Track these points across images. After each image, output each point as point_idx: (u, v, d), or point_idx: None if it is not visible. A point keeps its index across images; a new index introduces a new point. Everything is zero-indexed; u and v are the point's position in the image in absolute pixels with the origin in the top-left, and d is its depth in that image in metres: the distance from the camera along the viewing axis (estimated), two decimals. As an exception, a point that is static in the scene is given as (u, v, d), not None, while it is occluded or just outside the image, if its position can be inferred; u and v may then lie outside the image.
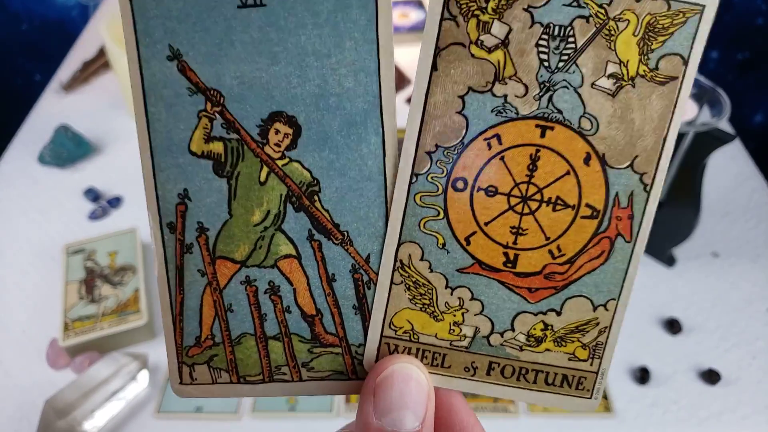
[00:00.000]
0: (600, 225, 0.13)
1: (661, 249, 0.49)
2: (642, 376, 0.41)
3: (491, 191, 0.13)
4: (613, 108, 0.12)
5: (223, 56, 0.13)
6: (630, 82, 0.12)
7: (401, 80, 0.67)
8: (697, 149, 0.42)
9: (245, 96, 0.14)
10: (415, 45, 0.70)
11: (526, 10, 0.12)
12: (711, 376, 0.41)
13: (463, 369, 0.14)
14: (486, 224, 0.13)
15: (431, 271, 0.14)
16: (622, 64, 0.12)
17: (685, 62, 0.12)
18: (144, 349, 0.44)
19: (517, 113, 0.13)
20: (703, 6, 0.12)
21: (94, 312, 0.44)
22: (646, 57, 0.12)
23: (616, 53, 0.12)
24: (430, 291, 0.14)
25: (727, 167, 0.58)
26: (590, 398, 0.14)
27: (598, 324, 0.14)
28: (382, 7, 0.13)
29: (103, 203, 0.55)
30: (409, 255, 0.14)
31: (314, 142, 0.14)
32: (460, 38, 0.12)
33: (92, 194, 0.55)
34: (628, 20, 0.12)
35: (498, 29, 0.12)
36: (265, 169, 0.14)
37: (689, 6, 0.12)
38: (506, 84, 0.12)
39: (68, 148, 0.58)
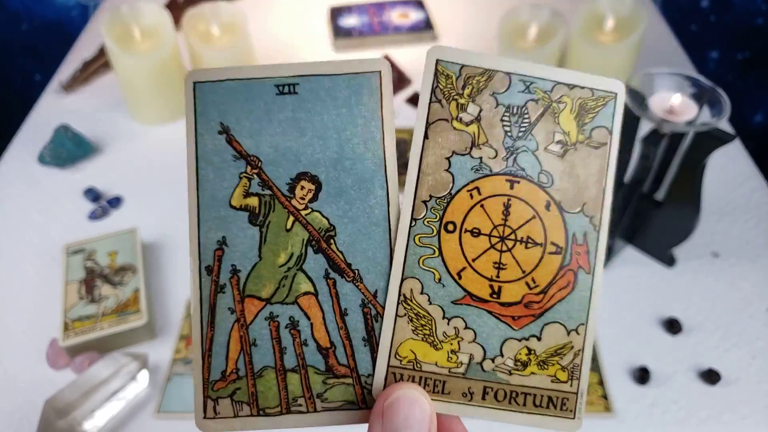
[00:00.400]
0: (564, 259, 0.16)
1: (661, 249, 0.49)
2: (642, 376, 0.41)
3: (476, 232, 0.16)
4: (562, 166, 0.16)
5: (263, 131, 0.17)
6: (573, 147, 0.16)
7: (402, 80, 0.67)
8: (697, 149, 0.42)
9: (278, 161, 0.17)
10: (414, 45, 0.70)
11: (492, 95, 0.16)
12: (711, 376, 0.41)
13: (461, 395, 0.16)
14: (473, 260, 0.16)
15: (430, 303, 0.16)
16: (565, 134, 0.16)
17: (610, 132, 0.17)
18: (144, 349, 0.44)
19: (491, 171, 0.16)
20: (615, 93, 0.17)
21: (94, 312, 0.44)
22: (582, 128, 0.16)
23: (560, 126, 0.16)
24: (429, 322, 0.16)
25: (727, 167, 0.57)
26: (573, 418, 0.16)
27: (572, 347, 0.16)
28: (385, 94, 0.17)
29: (103, 203, 0.55)
30: (411, 289, 0.16)
31: (332, 195, 0.17)
32: (445, 115, 0.16)
33: (92, 194, 0.55)
34: (566, 102, 0.16)
35: (472, 109, 0.16)
36: (291, 218, 0.17)
37: (606, 93, 0.17)
38: (481, 149, 0.16)
39: (68, 148, 0.58)
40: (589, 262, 0.16)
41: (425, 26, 0.74)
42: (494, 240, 0.16)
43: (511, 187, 0.16)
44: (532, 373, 0.15)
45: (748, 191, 0.55)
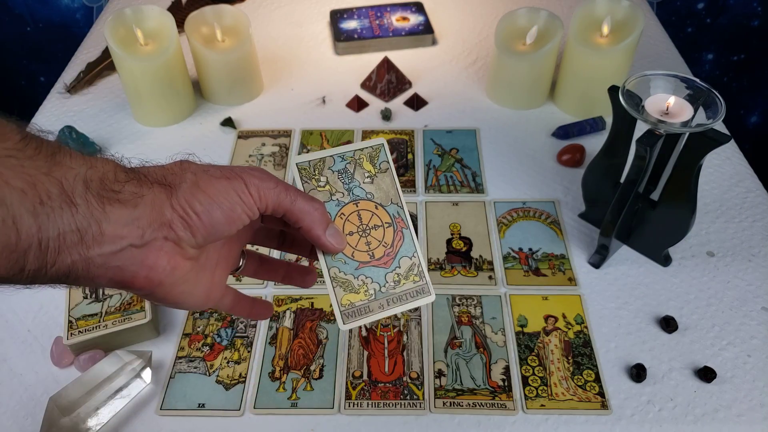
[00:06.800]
0: (394, 227, 0.31)
1: (657, 248, 0.49)
2: (638, 373, 0.42)
3: (351, 233, 0.30)
4: (374, 187, 0.31)
5: None
6: (375, 176, 0.31)
7: (401, 82, 0.68)
8: (692, 150, 0.42)
9: None
10: (414, 48, 0.71)
11: (328, 169, 0.31)
12: (706, 374, 0.42)
13: (378, 307, 0.30)
14: (355, 246, 0.30)
15: (345, 274, 0.30)
16: (369, 172, 0.31)
17: (388, 162, 0.32)
18: (147, 347, 0.44)
19: (345, 202, 0.30)
20: (382, 143, 0.32)
21: (98, 310, 0.44)
22: (376, 165, 0.31)
23: (364, 168, 0.31)
24: (349, 282, 0.30)
25: (723, 168, 0.58)
26: (430, 294, 0.31)
27: (415, 264, 0.31)
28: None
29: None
30: (336, 271, 0.30)
31: None
32: (311, 187, 0.30)
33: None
34: (362, 157, 0.31)
35: (322, 180, 0.30)
36: None
37: (378, 145, 0.32)
38: (335, 194, 0.30)
39: (73, 149, 0.59)
40: (405, 223, 0.31)
41: (425, 29, 0.75)
42: (360, 233, 0.30)
43: (357, 205, 0.30)
44: (404, 283, 0.30)
45: (743, 191, 0.56)
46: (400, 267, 0.30)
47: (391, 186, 0.31)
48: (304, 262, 0.46)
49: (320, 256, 0.29)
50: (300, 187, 0.30)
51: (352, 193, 0.30)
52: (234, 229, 0.25)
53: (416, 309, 0.47)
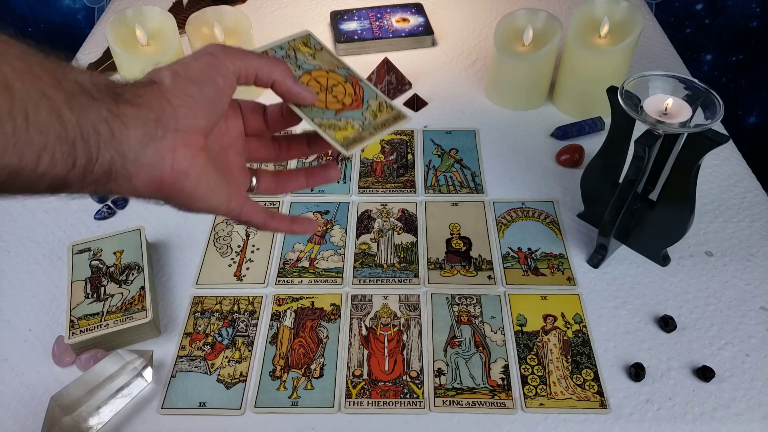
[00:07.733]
0: (349, 81, 0.33)
1: (656, 248, 0.49)
2: (637, 372, 0.42)
3: (317, 92, 0.32)
4: (318, 60, 0.34)
5: None
6: (314, 54, 0.34)
7: (402, 82, 0.68)
8: (691, 150, 0.43)
9: None
10: (414, 49, 0.71)
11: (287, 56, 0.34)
12: (705, 373, 0.42)
13: (368, 134, 0.32)
14: (326, 102, 0.32)
15: (328, 119, 0.32)
16: (307, 52, 0.34)
17: (320, 43, 0.34)
18: (149, 346, 0.45)
19: (299, 76, 0.33)
20: (308, 32, 0.35)
21: (100, 310, 0.44)
22: (311, 47, 0.34)
23: (302, 51, 0.34)
24: (334, 125, 0.32)
25: (721, 168, 0.58)
26: (406, 117, 0.33)
27: (380, 101, 0.33)
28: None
29: (109, 203, 0.56)
30: (321, 120, 0.32)
31: None
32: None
33: (98, 194, 0.56)
34: (298, 44, 0.34)
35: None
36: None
37: (303, 35, 0.34)
38: (291, 69, 0.32)
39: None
40: (358, 78, 0.34)
41: (424, 30, 0.75)
42: (324, 92, 0.32)
43: (310, 74, 0.33)
44: (380, 115, 0.33)
45: (742, 191, 0.56)
46: (370, 106, 0.32)
47: (332, 58, 0.34)
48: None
49: (300, 113, 0.30)
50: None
51: (303, 68, 0.33)
52: (224, 102, 0.27)
53: (416, 308, 0.47)
